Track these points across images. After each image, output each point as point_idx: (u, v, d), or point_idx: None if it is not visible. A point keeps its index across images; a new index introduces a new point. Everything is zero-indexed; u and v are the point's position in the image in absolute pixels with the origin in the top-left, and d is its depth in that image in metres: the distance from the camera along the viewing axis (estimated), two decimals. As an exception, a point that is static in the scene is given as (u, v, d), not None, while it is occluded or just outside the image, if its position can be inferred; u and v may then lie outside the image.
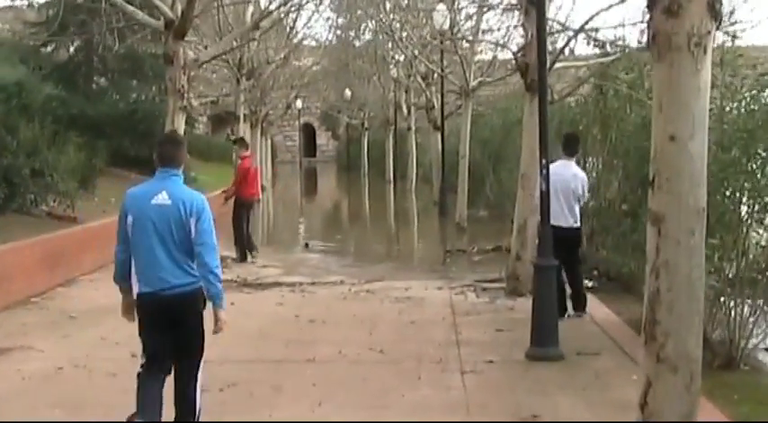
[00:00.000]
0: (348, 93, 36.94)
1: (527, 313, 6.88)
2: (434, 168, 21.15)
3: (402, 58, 23.85)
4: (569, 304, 7.23)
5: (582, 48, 14.28)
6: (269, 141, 33.61)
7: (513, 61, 10.89)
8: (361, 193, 31.02)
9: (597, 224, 9.64)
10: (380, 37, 24.08)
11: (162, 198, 3.83)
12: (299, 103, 42.01)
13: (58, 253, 9.11)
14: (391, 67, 26.01)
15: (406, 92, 26.37)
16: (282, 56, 23.90)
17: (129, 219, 3.86)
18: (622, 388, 5.03)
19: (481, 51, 17.25)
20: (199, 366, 3.98)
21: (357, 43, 31.25)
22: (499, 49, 16.77)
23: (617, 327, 6.94)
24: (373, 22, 22.59)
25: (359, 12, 24.77)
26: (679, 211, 2.83)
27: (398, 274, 10.18)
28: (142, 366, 3.99)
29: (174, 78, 11.96)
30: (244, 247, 11.23)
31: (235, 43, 14.42)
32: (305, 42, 27.09)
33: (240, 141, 12.14)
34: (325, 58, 32.75)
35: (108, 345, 6.22)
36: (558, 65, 9.32)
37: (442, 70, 16.81)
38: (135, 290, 3.94)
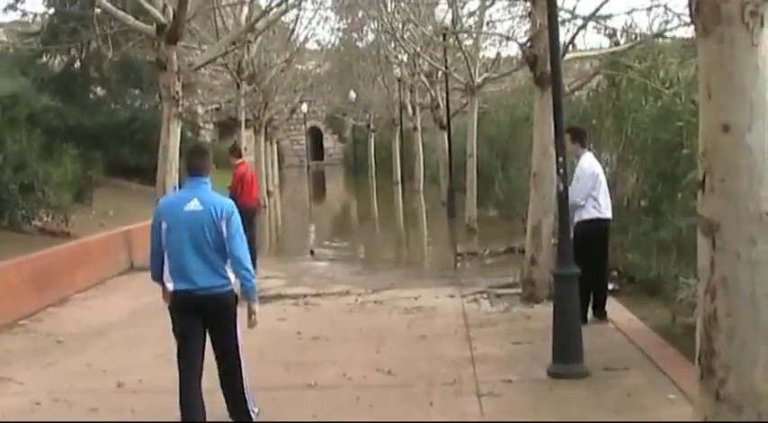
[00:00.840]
0: (353, 95, 36.58)
1: (545, 322, 6.41)
2: (442, 168, 20.67)
3: (405, 57, 23.41)
4: (590, 310, 6.75)
5: (585, 39, 13.83)
6: (274, 146, 33.19)
7: (521, 54, 10.36)
8: (369, 195, 30.53)
9: (615, 223, 9.09)
10: (383, 37, 23.70)
11: (194, 205, 4.09)
12: (304, 108, 41.66)
13: (49, 271, 8.66)
14: (395, 66, 25.53)
15: (411, 91, 25.89)
16: (284, 59, 23.52)
17: (164, 225, 4.10)
18: (658, 410, 4.52)
19: (486, 48, 16.77)
20: (240, 365, 4.25)
21: (360, 45, 30.88)
22: (503, 43, 16.29)
23: (644, 335, 6.41)
24: (375, 22, 22.18)
25: (360, 13, 24.37)
26: (737, 216, 2.32)
27: (407, 281, 9.68)
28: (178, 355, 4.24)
29: (167, 84, 11.53)
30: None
31: (232, 46, 13.95)
32: (307, 46, 26.73)
33: (232, 149, 11.66)
34: (329, 60, 32.37)
35: (93, 373, 5.76)
36: (568, 56, 8.80)
37: (446, 67, 16.31)
38: (169, 287, 4.17)
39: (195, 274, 4.05)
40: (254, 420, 4.24)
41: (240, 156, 11.11)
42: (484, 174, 16.18)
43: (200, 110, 31.09)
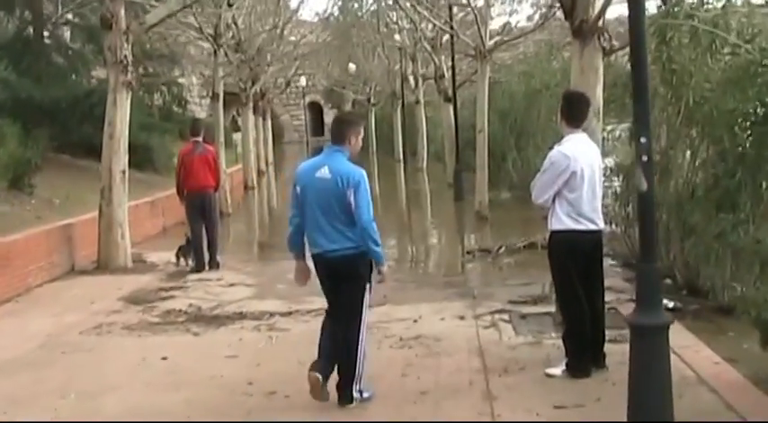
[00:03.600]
0: (352, 67, 34.46)
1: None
2: (447, 145, 18.62)
3: (407, 23, 21.28)
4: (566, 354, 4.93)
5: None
6: (268, 122, 31.07)
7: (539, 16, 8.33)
8: (369, 173, 28.22)
9: (672, 220, 7.04)
10: (383, 3, 21.62)
11: (323, 172, 4.27)
12: (303, 81, 39.56)
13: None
14: (395, 34, 23.32)
15: (413, 61, 23.68)
16: (273, 26, 21.40)
17: (298, 189, 4.35)
18: None
19: (497, 5, 14.66)
20: (360, 323, 4.32)
21: (360, 14, 28.84)
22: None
23: (743, 392, 4.45)
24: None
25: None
26: None
27: (405, 290, 7.58)
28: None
29: (113, 47, 9.47)
30: (198, 252, 8.88)
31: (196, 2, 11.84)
32: (304, 16, 24.71)
33: (192, 123, 9.72)
34: (327, 30, 30.30)
35: None
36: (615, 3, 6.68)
37: (452, 28, 14.16)
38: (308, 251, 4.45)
39: (323, 238, 4.25)
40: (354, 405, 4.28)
41: (195, 134, 9.12)
42: (495, 152, 14.13)
43: (194, 81, 28.97)
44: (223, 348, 5.79)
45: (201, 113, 31.00)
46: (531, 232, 10.01)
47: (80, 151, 14.79)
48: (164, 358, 5.58)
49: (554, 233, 4.83)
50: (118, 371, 5.42)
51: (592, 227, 4.79)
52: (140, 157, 15.07)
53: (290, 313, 6.84)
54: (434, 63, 18.40)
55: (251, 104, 21.64)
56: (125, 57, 9.42)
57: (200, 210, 8.92)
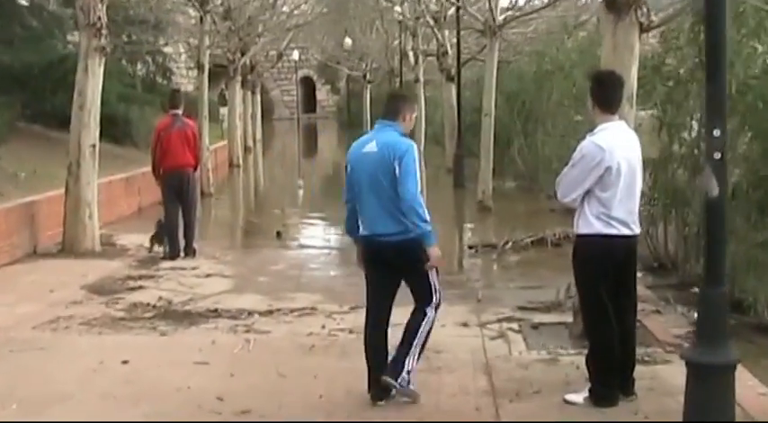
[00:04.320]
0: (348, 41, 33.40)
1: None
2: (447, 127, 17.80)
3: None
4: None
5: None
6: (257, 96, 30.03)
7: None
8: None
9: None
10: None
11: (371, 147, 4.06)
12: (295, 55, 38.51)
13: None
14: (396, 6, 22.30)
15: (414, 36, 22.69)
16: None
17: (349, 168, 4.15)
18: None
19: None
20: (423, 318, 4.09)
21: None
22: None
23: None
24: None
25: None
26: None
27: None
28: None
29: (86, 7, 8.59)
30: (171, 237, 8.08)
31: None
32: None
33: (171, 94, 8.87)
34: (322, 0, 29.30)
35: None
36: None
37: (458, 0, 13.26)
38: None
39: (373, 220, 4.03)
40: (397, 387, 4.00)
41: (174, 107, 8.28)
42: (500, 137, 13.31)
43: (181, 51, 27.92)
44: (193, 353, 5.02)
45: (188, 86, 29.92)
46: (539, 226, 9.33)
47: (53, 122, 13.86)
48: (124, 362, 4.84)
49: (581, 237, 4.12)
50: (70, 376, 4.67)
51: (625, 232, 4.06)
52: (119, 131, 14.20)
53: (270, 312, 6.08)
54: (437, 39, 17.49)
55: (239, 77, 20.73)
56: (99, 18, 8.54)
57: (178, 191, 8.09)
